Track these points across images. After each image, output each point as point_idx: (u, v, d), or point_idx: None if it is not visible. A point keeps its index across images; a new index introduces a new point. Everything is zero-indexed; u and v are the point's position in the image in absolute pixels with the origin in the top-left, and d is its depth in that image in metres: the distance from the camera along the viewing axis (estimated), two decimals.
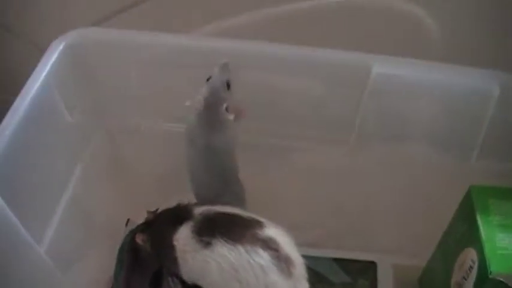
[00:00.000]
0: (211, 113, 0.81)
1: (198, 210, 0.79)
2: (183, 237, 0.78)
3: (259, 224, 0.76)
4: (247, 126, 0.88)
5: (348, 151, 0.89)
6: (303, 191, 0.93)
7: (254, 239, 0.75)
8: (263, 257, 0.74)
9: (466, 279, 0.75)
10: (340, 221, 0.95)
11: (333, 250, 0.98)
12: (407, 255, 0.98)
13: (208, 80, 0.81)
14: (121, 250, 0.90)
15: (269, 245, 0.74)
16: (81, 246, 0.88)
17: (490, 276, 0.70)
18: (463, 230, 0.79)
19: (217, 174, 0.85)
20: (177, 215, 0.81)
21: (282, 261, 0.74)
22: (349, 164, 0.91)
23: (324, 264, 0.93)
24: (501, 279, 0.69)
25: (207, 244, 0.75)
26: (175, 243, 0.78)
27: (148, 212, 0.86)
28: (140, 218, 0.93)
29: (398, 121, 0.85)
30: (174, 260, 0.79)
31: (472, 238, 0.75)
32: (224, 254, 0.74)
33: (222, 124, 0.82)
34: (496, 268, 0.70)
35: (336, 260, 0.98)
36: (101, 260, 0.93)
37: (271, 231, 0.76)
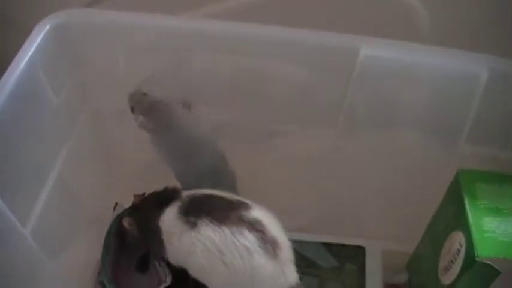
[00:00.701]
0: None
1: (186, 193, 0.79)
2: (169, 218, 0.78)
3: (245, 206, 0.76)
4: (234, 111, 0.88)
5: (336, 136, 0.89)
6: (290, 175, 0.93)
7: (240, 221, 0.74)
8: (248, 239, 0.73)
9: (453, 263, 0.75)
10: (329, 205, 0.95)
11: (321, 235, 0.98)
12: (396, 241, 0.98)
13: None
14: (108, 234, 0.89)
15: (255, 226, 0.74)
16: (68, 230, 0.87)
17: (477, 260, 0.70)
18: (450, 214, 0.79)
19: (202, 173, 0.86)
20: (164, 197, 0.81)
21: (268, 244, 0.74)
22: (337, 149, 0.90)
23: (311, 249, 0.93)
24: (488, 262, 0.70)
25: (193, 225, 0.75)
26: (161, 224, 0.78)
27: (135, 196, 0.85)
28: (128, 203, 0.93)
29: (386, 106, 0.85)
30: (160, 243, 0.78)
31: (460, 222, 0.75)
32: (209, 235, 0.74)
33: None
34: (483, 251, 0.70)
35: (324, 244, 0.98)
36: (88, 245, 0.92)
37: (257, 213, 0.76)
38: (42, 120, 0.77)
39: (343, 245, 0.99)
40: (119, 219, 0.89)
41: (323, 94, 0.85)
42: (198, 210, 0.76)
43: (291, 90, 0.86)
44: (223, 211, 0.76)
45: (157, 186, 0.91)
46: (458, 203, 0.77)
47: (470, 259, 0.71)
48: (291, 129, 0.91)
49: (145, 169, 0.96)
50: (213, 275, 0.76)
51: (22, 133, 0.73)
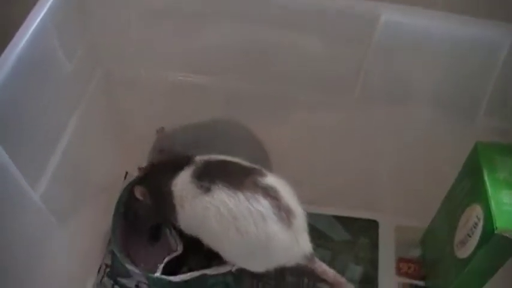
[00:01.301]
0: None
1: (199, 158, 0.78)
2: (182, 182, 0.77)
3: (259, 172, 0.75)
4: (250, 81, 0.87)
5: (352, 109, 0.87)
6: (305, 148, 0.91)
7: (255, 186, 0.73)
8: (263, 205, 0.72)
9: (470, 237, 0.74)
10: (343, 179, 0.94)
11: (334, 208, 0.97)
12: (409, 216, 0.97)
13: None
14: (119, 203, 0.89)
15: (269, 193, 0.73)
16: (78, 198, 0.86)
17: (496, 232, 0.68)
18: (468, 187, 0.78)
19: None
20: (177, 162, 0.79)
21: (283, 211, 0.73)
22: (352, 122, 0.89)
23: (324, 222, 0.92)
24: (506, 235, 0.68)
25: (206, 189, 0.74)
26: (173, 188, 0.77)
27: (140, 169, 0.84)
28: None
29: (403, 78, 0.83)
30: (172, 208, 0.77)
31: (478, 194, 0.74)
32: (223, 199, 0.73)
33: None
34: (501, 224, 0.69)
35: (337, 217, 0.97)
36: (99, 214, 0.92)
37: (272, 179, 0.75)
38: (53, 85, 0.76)
39: (356, 219, 0.98)
40: (129, 187, 0.89)
41: (340, 64, 0.83)
42: (212, 174, 0.75)
43: (307, 61, 0.85)
44: (237, 176, 0.74)
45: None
46: (476, 175, 0.75)
47: (488, 232, 0.70)
48: (306, 102, 0.89)
49: (153, 139, 0.95)
50: (226, 242, 0.75)
51: (33, 97, 0.71)
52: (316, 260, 0.78)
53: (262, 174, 0.75)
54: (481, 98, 0.82)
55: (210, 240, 0.77)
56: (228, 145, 0.83)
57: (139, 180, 0.83)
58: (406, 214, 0.97)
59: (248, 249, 0.75)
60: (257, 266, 0.78)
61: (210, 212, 0.74)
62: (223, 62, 0.86)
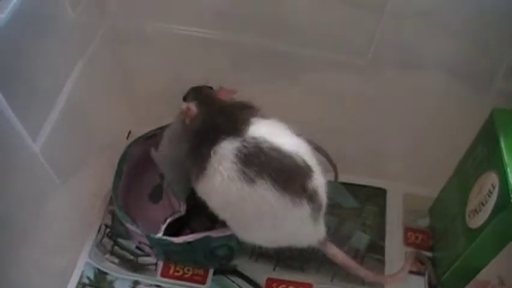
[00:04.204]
0: None
1: (252, 132, 0.70)
2: (223, 154, 0.70)
3: (309, 173, 0.70)
4: (259, 36, 0.84)
5: (364, 73, 0.85)
6: (314, 112, 0.88)
7: (302, 191, 0.69)
8: (305, 210, 0.70)
9: (484, 205, 0.72)
10: (351, 145, 0.91)
11: (342, 174, 0.94)
12: (419, 185, 0.95)
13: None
14: (121, 161, 0.87)
15: (313, 198, 0.70)
16: (79, 154, 0.84)
17: None
18: (483, 155, 0.75)
19: None
20: (229, 124, 0.72)
21: (316, 209, 0.71)
22: (364, 87, 0.87)
23: (332, 189, 0.89)
24: None
25: (250, 180, 0.68)
26: (212, 154, 0.70)
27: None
28: (142, 131, 0.90)
29: (417, 44, 0.81)
30: (202, 170, 0.71)
31: (493, 162, 0.71)
32: (268, 199, 0.68)
33: None
34: None
35: (344, 184, 0.95)
36: (100, 172, 0.90)
37: (318, 180, 0.71)
38: (56, 34, 0.73)
39: (364, 186, 0.96)
40: (131, 148, 0.86)
41: (354, 25, 0.81)
42: (260, 165, 0.68)
43: (318, 24, 0.82)
44: (287, 176, 0.69)
45: (171, 116, 0.88)
46: (492, 142, 0.73)
47: (504, 200, 0.67)
48: (315, 66, 0.87)
49: (160, 98, 0.92)
50: (254, 230, 0.73)
51: (35, 45, 0.69)
52: (328, 243, 0.77)
53: (311, 175, 0.70)
54: (497, 65, 0.80)
55: (230, 220, 0.74)
56: None
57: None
58: (416, 183, 0.95)
59: (272, 238, 0.74)
60: (269, 245, 0.76)
61: (247, 203, 0.69)
62: (233, 16, 0.83)
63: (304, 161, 0.70)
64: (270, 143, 0.69)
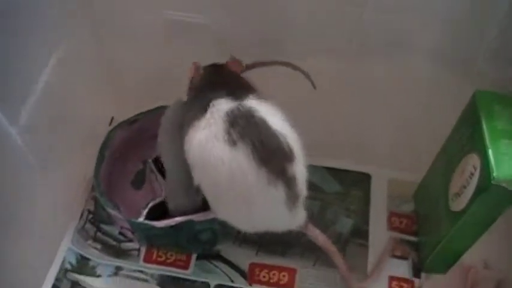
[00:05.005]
0: None
1: (249, 103, 0.70)
2: (219, 107, 0.69)
3: (290, 158, 0.70)
4: (246, 22, 0.84)
5: (349, 59, 0.85)
6: (300, 98, 0.88)
7: (280, 173, 0.68)
8: (280, 193, 0.69)
9: (465, 188, 0.71)
10: (336, 130, 0.91)
11: (326, 159, 0.94)
12: (403, 170, 0.95)
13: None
14: (103, 146, 0.86)
15: (290, 183, 0.69)
16: (61, 140, 0.83)
17: (493, 182, 0.65)
18: (465, 137, 0.75)
19: None
20: (232, 86, 0.73)
21: (292, 198, 0.70)
22: (349, 73, 0.86)
23: (316, 173, 0.90)
24: (503, 185, 0.65)
25: (232, 142, 0.67)
26: (211, 104, 0.70)
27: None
28: (125, 117, 0.90)
29: (401, 30, 0.80)
30: (198, 118, 0.71)
31: (475, 143, 0.71)
32: (244, 167, 0.67)
33: None
34: (499, 173, 0.66)
35: (329, 169, 0.95)
36: (83, 159, 0.89)
37: (298, 168, 0.71)
38: (36, 15, 0.72)
39: (348, 171, 0.95)
40: (114, 132, 0.86)
41: (338, 14, 0.81)
42: (246, 130, 0.68)
43: (303, 11, 0.81)
44: (270, 150, 0.68)
45: (154, 101, 0.87)
46: (474, 124, 0.72)
47: (485, 181, 0.67)
48: (301, 51, 0.85)
49: (143, 85, 0.92)
50: (226, 202, 0.72)
51: (13, 27, 0.68)
52: (310, 226, 0.77)
53: (292, 160, 0.70)
54: (479, 48, 0.79)
55: (206, 188, 0.73)
56: None
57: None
58: (400, 168, 0.94)
59: (246, 219, 0.73)
60: (246, 228, 0.76)
61: (223, 168, 0.68)
62: (221, 1, 0.82)
63: (289, 146, 0.69)
64: (262, 117, 0.69)
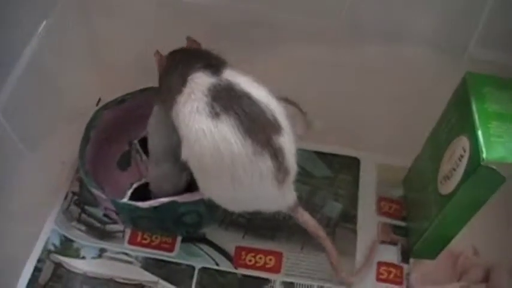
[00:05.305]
0: None
1: (228, 75, 0.70)
2: (199, 81, 0.69)
3: (277, 129, 0.68)
4: (236, 11, 0.83)
5: (338, 44, 0.84)
6: (289, 81, 0.87)
7: (267, 143, 0.67)
8: (267, 166, 0.67)
9: (455, 170, 0.70)
10: (325, 114, 0.89)
11: (315, 143, 0.93)
12: (392, 155, 0.94)
13: None
14: (89, 126, 0.84)
15: (277, 155, 0.68)
16: (45, 120, 0.82)
17: (482, 164, 0.65)
18: (455, 119, 0.74)
19: None
20: (208, 60, 0.72)
21: (281, 172, 0.69)
22: (338, 58, 0.85)
23: (305, 157, 0.87)
24: (493, 167, 0.64)
25: (215, 114, 0.66)
26: (189, 78, 0.69)
27: (188, 38, 0.78)
28: (112, 97, 0.88)
29: (393, 13, 0.80)
30: (174, 95, 0.70)
31: (465, 125, 0.70)
32: (228, 138, 0.66)
33: None
34: (489, 155, 0.65)
35: (318, 153, 0.94)
36: (69, 140, 0.88)
37: (285, 140, 0.69)
38: None
39: (337, 155, 0.94)
40: (100, 112, 0.85)
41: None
42: (230, 102, 0.67)
43: None
44: (255, 122, 0.67)
45: (143, 82, 0.86)
46: (464, 106, 0.71)
47: (474, 163, 0.66)
48: (292, 37, 0.85)
49: (131, 65, 0.90)
50: (212, 179, 0.70)
51: None
52: (299, 209, 0.75)
53: (278, 132, 0.68)
54: (471, 31, 0.79)
55: (193, 165, 0.71)
56: None
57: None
58: (389, 153, 0.94)
59: (233, 195, 0.71)
60: (234, 208, 0.75)
61: (207, 140, 0.67)
62: None
63: (274, 117, 0.68)
64: (245, 89, 0.68)
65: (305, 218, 0.76)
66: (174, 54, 0.75)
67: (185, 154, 0.70)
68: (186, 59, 0.73)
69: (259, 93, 0.69)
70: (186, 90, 0.69)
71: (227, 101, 0.67)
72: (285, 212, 0.75)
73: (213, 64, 0.70)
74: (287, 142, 0.69)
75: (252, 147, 0.66)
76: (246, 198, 0.71)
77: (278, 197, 0.71)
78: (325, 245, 0.77)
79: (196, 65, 0.70)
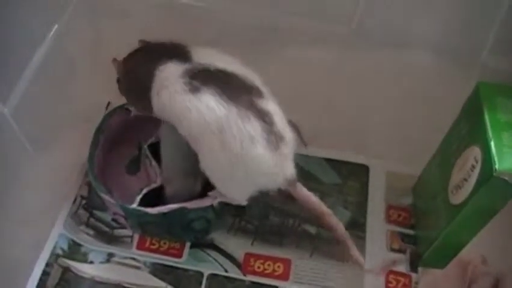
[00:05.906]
0: None
1: (198, 58, 0.71)
2: (170, 71, 0.70)
3: (260, 94, 0.69)
4: (238, 16, 0.83)
5: (348, 47, 0.83)
6: (298, 87, 0.87)
7: (250, 105, 0.67)
8: (254, 126, 0.67)
9: (466, 180, 0.70)
10: (334, 120, 0.90)
11: (324, 150, 0.93)
12: (402, 163, 0.93)
13: None
14: (97, 131, 0.84)
15: (263, 116, 0.68)
16: (56, 126, 0.83)
17: (495, 174, 0.64)
18: (466, 129, 0.74)
19: None
20: (172, 51, 0.72)
21: (273, 135, 0.68)
22: (346, 63, 0.85)
23: (314, 164, 0.88)
24: (505, 178, 0.64)
25: (195, 89, 0.67)
26: (157, 72, 0.70)
27: (141, 41, 0.77)
28: (122, 102, 0.88)
29: (402, 20, 0.80)
30: (146, 91, 0.71)
31: (477, 135, 0.70)
32: (212, 106, 0.67)
33: None
34: (501, 166, 0.65)
35: (327, 160, 0.93)
36: (78, 143, 0.87)
37: (270, 105, 0.69)
38: None
39: (346, 163, 0.94)
40: (109, 116, 0.85)
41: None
42: (208, 78, 0.68)
43: None
44: (235, 89, 0.68)
45: None
46: (476, 116, 0.71)
47: (487, 173, 0.66)
48: (297, 39, 0.85)
49: None
50: (205, 152, 0.70)
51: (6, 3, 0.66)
52: (299, 185, 0.74)
53: (261, 96, 0.69)
54: (483, 41, 0.79)
55: (191, 145, 0.71)
56: None
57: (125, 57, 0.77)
58: (399, 161, 0.93)
59: (228, 167, 0.69)
60: (236, 189, 0.73)
61: (191, 114, 0.67)
62: None
63: (253, 83, 0.69)
64: (218, 67, 0.69)
65: (305, 194, 0.75)
66: (131, 56, 0.75)
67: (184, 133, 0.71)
68: (147, 57, 0.73)
69: (234, 66, 0.70)
70: (157, 83, 0.70)
71: (205, 77, 0.68)
72: (283, 188, 0.72)
73: (178, 53, 0.71)
74: (271, 105, 0.69)
75: (236, 112, 0.66)
76: (240, 168, 0.69)
77: (275, 167, 0.70)
78: (330, 221, 0.76)
79: (161, 59, 0.71)
